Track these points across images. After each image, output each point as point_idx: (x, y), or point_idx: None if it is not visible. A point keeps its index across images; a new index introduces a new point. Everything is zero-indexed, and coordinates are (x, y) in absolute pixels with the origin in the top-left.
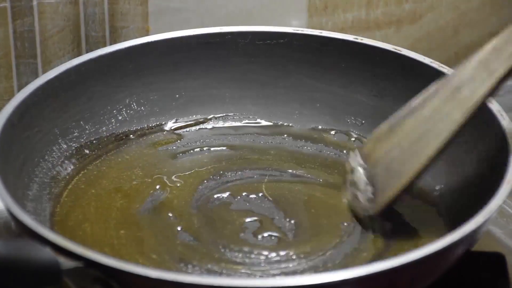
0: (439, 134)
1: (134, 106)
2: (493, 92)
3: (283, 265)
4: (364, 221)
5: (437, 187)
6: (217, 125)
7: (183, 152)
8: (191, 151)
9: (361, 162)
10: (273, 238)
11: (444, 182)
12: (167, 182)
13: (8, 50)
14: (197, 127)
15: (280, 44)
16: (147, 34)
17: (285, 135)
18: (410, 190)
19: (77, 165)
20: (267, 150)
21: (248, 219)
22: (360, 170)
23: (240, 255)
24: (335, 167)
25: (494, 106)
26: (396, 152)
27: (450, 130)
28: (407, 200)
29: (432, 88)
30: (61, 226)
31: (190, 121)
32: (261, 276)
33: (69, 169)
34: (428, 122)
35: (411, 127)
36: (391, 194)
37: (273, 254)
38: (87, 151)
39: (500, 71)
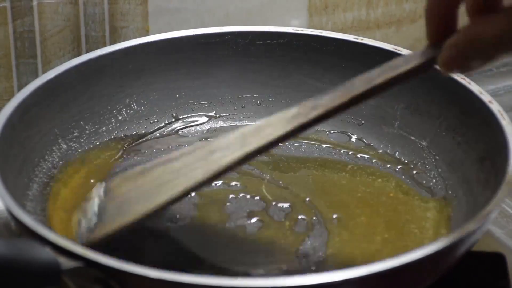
0: (175, 186)
1: (134, 106)
2: (241, 162)
3: (283, 265)
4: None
5: (437, 187)
6: (217, 125)
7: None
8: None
9: (101, 194)
10: (273, 238)
11: (444, 182)
12: None
13: (8, 50)
14: (197, 127)
15: (280, 44)
16: (147, 34)
17: None
18: (125, 230)
19: (77, 165)
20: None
21: (248, 219)
22: (96, 201)
23: (241, 255)
24: (335, 168)
25: (494, 106)
26: (133, 193)
27: (187, 185)
28: (408, 200)
29: (192, 146)
30: (61, 226)
31: (190, 121)
32: (261, 276)
33: (69, 169)
34: (173, 174)
35: (158, 175)
36: (107, 230)
37: (275, 254)
38: (87, 152)
39: (252, 146)
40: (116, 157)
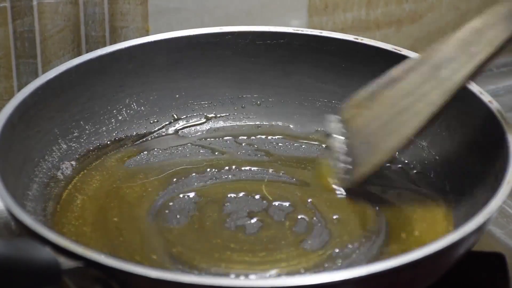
0: (417, 114)
1: (134, 106)
2: (473, 75)
3: (283, 264)
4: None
5: (438, 187)
6: (217, 125)
7: (183, 153)
8: (191, 151)
9: (342, 129)
10: (274, 238)
11: (444, 182)
12: (167, 182)
13: (8, 50)
14: (197, 127)
15: (280, 44)
16: (147, 34)
17: (285, 135)
18: (383, 165)
19: (77, 165)
20: (267, 151)
21: (248, 219)
22: (341, 138)
23: (241, 255)
24: None
25: (494, 106)
26: (375, 125)
27: (429, 111)
28: (408, 199)
29: (412, 61)
30: (61, 226)
31: (189, 121)
32: (261, 276)
33: (69, 169)
34: (408, 98)
35: (391, 100)
36: (366, 170)
37: (275, 254)
38: (87, 152)
39: (481, 56)
40: (117, 157)
